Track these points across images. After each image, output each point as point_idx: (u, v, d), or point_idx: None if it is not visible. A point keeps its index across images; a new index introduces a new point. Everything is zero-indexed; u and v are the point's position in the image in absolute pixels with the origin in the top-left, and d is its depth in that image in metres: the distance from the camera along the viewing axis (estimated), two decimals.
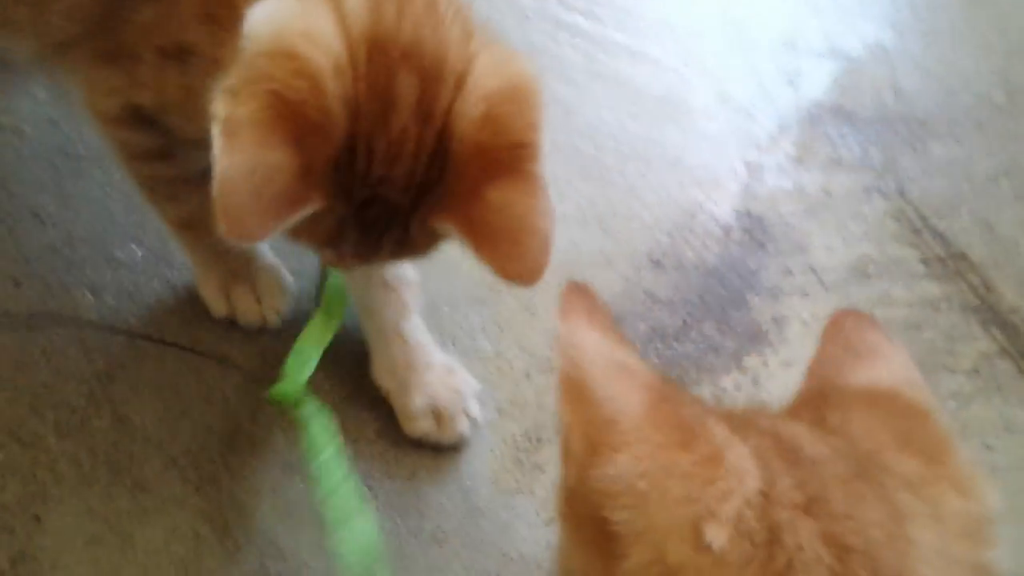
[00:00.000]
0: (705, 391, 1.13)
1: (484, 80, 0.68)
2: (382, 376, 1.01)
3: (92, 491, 0.94)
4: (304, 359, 0.94)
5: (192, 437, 0.98)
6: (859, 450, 0.49)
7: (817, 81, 1.38)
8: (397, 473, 1.01)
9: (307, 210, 0.67)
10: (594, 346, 0.49)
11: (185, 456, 0.97)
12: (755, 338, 1.17)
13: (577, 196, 1.23)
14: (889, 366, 0.55)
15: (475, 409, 1.03)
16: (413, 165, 0.69)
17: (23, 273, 1.03)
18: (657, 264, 1.20)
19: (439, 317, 1.11)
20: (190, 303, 1.05)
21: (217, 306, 1.01)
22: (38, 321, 1.01)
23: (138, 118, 0.83)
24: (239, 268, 1.00)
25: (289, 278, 1.04)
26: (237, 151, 0.63)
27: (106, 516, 0.92)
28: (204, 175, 0.84)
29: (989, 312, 1.24)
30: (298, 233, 0.73)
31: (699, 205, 1.25)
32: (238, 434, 0.99)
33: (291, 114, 0.64)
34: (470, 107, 0.68)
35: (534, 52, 1.32)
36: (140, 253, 1.07)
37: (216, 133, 0.63)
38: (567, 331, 0.50)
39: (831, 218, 1.27)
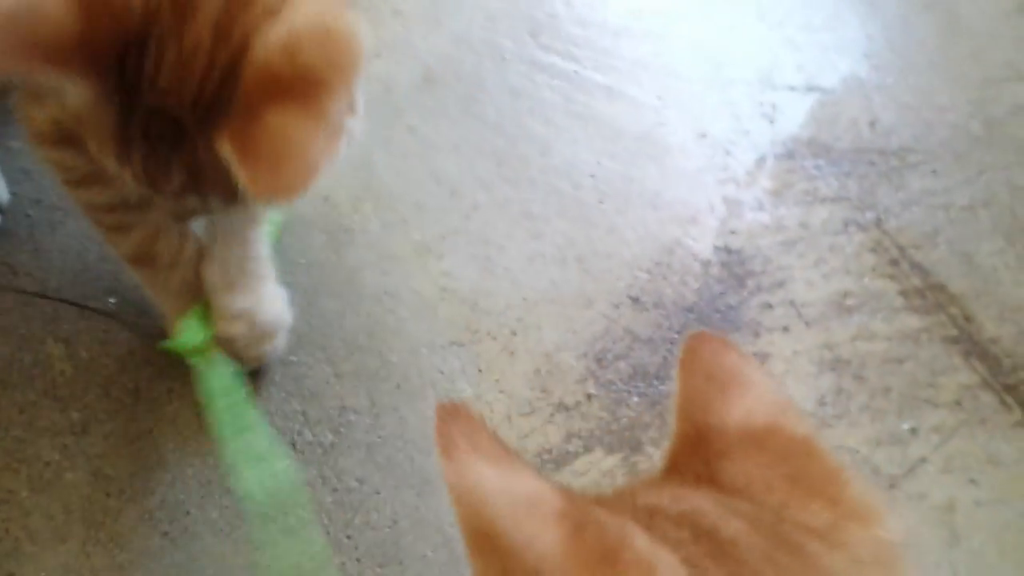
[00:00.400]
0: None
1: (297, 18, 0.68)
2: (212, 271, 0.96)
3: (67, 547, 0.92)
4: (204, 316, 0.95)
5: (168, 488, 0.97)
6: (766, 511, 0.48)
7: (794, 115, 1.38)
8: (378, 522, 1.00)
9: (74, 82, 0.67)
10: (490, 483, 0.45)
11: (161, 508, 0.96)
12: None
13: (555, 235, 1.23)
14: (757, 395, 0.54)
15: (282, 345, 1.03)
16: (202, 82, 0.68)
17: None
18: (636, 302, 1.20)
19: (418, 359, 1.10)
20: (165, 354, 1.04)
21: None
22: (10, 375, 1.00)
23: (65, 136, 0.83)
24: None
25: None
26: None
27: (81, 572, 0.91)
28: (142, 203, 0.84)
29: (970, 343, 1.23)
30: (86, 128, 0.73)
31: (677, 241, 1.25)
32: (215, 485, 0.98)
33: None
34: (272, 36, 0.68)
35: (512, 93, 1.32)
36: (115, 302, 1.06)
37: None
38: (456, 472, 0.46)
39: (810, 252, 1.27)
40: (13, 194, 1.08)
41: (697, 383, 0.55)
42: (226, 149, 0.68)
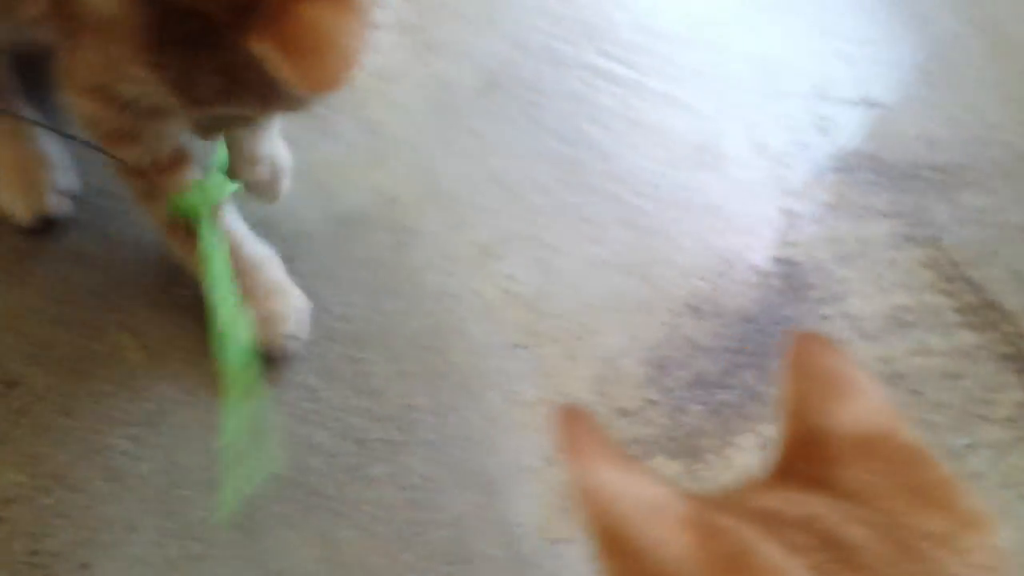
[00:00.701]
0: (749, 440, 1.13)
1: None
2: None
3: (140, 537, 0.93)
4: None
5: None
6: (885, 518, 0.48)
7: (849, 129, 1.39)
8: (444, 521, 1.00)
9: None
10: (615, 486, 0.46)
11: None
12: None
13: (615, 241, 1.23)
14: (868, 400, 0.53)
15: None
16: None
17: (68, 315, 1.03)
18: (696, 311, 1.20)
19: (481, 361, 1.11)
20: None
21: None
22: (83, 365, 1.00)
23: (105, 92, 0.83)
24: None
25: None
26: None
27: (155, 563, 0.91)
28: (175, 159, 0.87)
29: (1023, 361, 1.24)
30: (119, 38, 0.73)
31: (736, 252, 1.26)
32: (287, 479, 0.98)
33: None
34: None
35: (571, 98, 1.33)
36: (184, 294, 1.06)
37: None
38: (581, 473, 0.46)
39: (866, 266, 1.27)
40: (82, 184, 1.08)
41: (809, 384, 0.55)
42: (263, 47, 0.68)
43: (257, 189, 1.09)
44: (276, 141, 1.10)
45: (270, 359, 1.02)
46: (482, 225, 1.21)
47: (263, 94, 0.76)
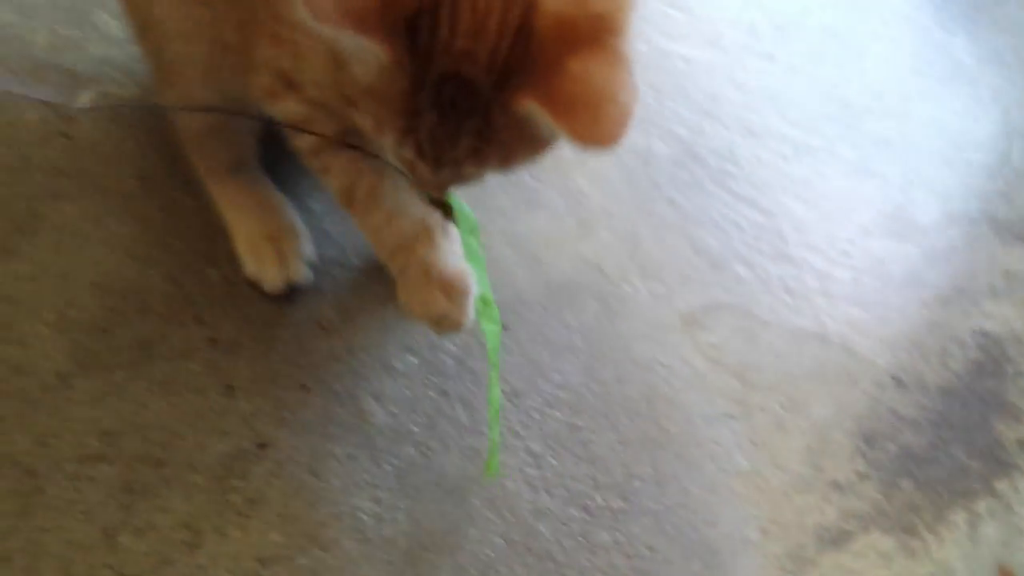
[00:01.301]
0: (959, 517, 1.13)
1: None
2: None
3: None
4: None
5: (478, 545, 1.01)
6: None
7: None
8: None
9: (375, 48, 0.68)
10: None
11: (473, 564, 1.00)
12: (1002, 461, 1.17)
13: (815, 312, 1.25)
14: None
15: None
16: (497, 41, 0.69)
17: (312, 380, 1.08)
18: (899, 382, 1.21)
19: (694, 430, 1.13)
20: (464, 408, 1.08)
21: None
22: (329, 428, 1.05)
23: (286, 83, 0.86)
24: None
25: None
26: None
27: None
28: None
29: None
30: (377, 98, 0.73)
31: (934, 322, 1.27)
32: (520, 545, 1.02)
33: None
34: None
35: (762, 168, 1.36)
36: (415, 361, 1.11)
37: None
38: None
39: None
40: (318, 255, 1.14)
41: None
42: (532, 106, 0.69)
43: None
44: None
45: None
46: (686, 294, 1.24)
47: (507, 154, 0.77)
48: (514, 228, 1.23)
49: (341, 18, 0.66)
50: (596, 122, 0.67)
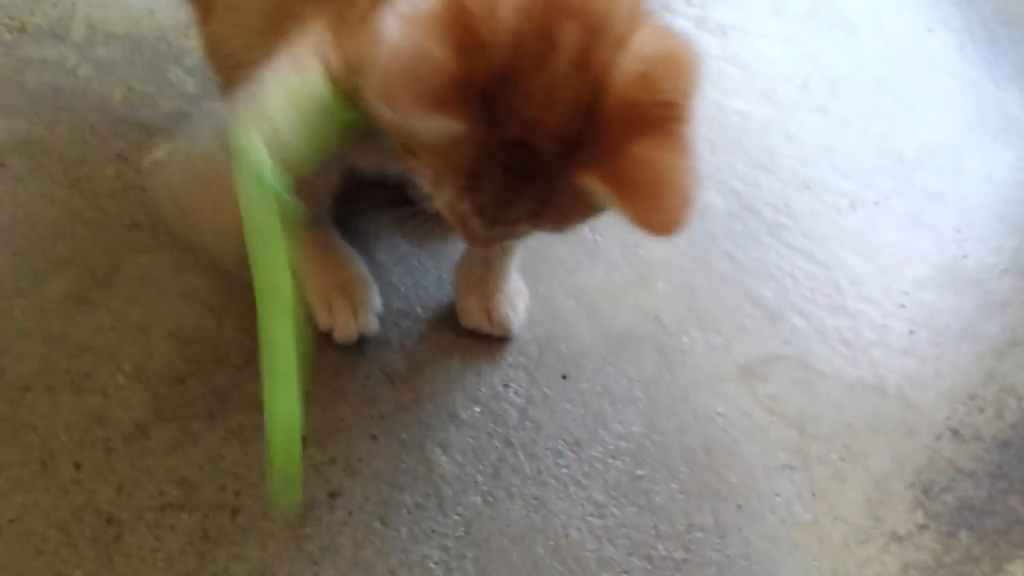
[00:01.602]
0: (1017, 568, 1.13)
1: (643, 44, 0.70)
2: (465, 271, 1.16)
3: None
4: None
5: None
6: None
7: None
8: None
9: (450, 123, 0.69)
10: None
11: None
12: None
13: (872, 363, 1.26)
14: None
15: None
16: (567, 115, 0.70)
17: (379, 429, 1.10)
18: (956, 434, 1.22)
19: (754, 481, 1.15)
20: (527, 458, 1.11)
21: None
22: (397, 477, 1.07)
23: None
24: None
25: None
26: (410, 35, 0.66)
27: None
28: None
29: None
30: (441, 156, 0.74)
31: (990, 374, 1.28)
32: None
33: (465, 23, 0.67)
34: (627, 64, 0.69)
35: (819, 220, 1.38)
36: (479, 411, 1.13)
37: (388, 14, 0.66)
38: None
39: None
40: (385, 306, 1.17)
41: None
42: (593, 183, 0.70)
43: (501, 309, 1.16)
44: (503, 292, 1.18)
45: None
46: (744, 345, 1.26)
47: (561, 217, 0.79)
48: (573, 280, 1.26)
49: (416, 103, 0.67)
50: (658, 209, 0.69)
